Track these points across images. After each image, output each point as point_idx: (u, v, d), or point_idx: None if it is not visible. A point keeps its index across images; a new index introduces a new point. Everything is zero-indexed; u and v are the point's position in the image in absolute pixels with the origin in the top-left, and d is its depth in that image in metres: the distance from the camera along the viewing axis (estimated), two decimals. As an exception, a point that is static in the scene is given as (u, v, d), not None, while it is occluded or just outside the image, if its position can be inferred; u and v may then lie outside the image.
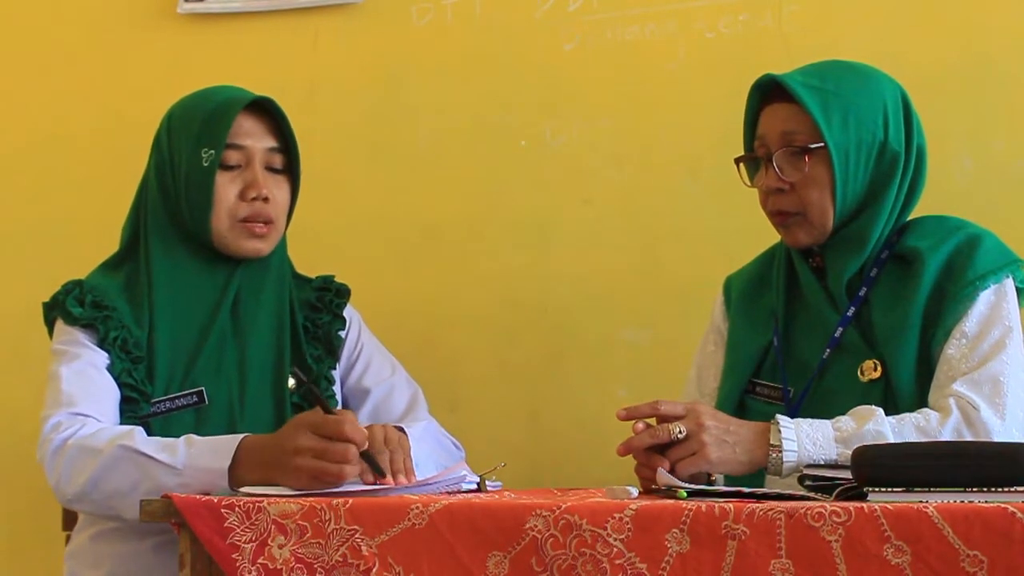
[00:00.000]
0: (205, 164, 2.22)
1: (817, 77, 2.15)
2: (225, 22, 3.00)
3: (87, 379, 2.14)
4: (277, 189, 2.27)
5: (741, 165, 2.23)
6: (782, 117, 2.15)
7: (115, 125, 3.01)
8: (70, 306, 2.19)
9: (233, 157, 2.24)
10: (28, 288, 2.92)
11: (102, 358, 2.17)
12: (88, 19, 3.09)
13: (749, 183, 2.23)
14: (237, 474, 1.94)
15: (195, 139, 2.23)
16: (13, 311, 3.01)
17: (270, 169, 2.27)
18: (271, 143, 2.27)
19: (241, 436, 1.98)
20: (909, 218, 2.20)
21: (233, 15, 3.00)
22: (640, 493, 1.84)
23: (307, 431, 1.90)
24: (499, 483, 2.03)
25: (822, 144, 2.10)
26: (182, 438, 2.01)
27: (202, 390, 2.20)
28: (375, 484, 1.91)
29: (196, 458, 1.96)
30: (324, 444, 1.88)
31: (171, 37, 3.03)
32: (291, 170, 2.30)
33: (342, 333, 2.35)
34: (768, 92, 2.18)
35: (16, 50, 3.14)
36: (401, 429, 2.06)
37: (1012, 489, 1.59)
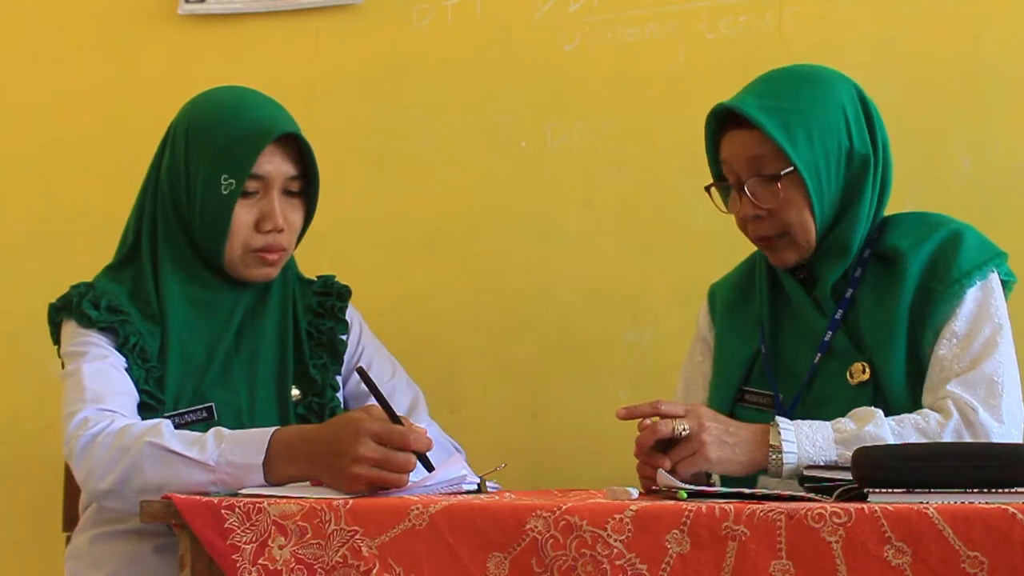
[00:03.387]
0: (224, 192, 2.16)
1: (772, 97, 2.11)
2: (226, 23, 3.00)
3: (109, 377, 2.10)
4: (292, 214, 2.23)
5: (712, 192, 2.21)
6: (745, 143, 2.12)
7: (115, 126, 3.01)
8: (86, 308, 2.14)
9: (252, 186, 2.18)
10: (28, 288, 2.93)
11: (121, 361, 2.14)
12: (89, 20, 3.09)
13: (724, 209, 2.22)
14: (273, 468, 1.92)
15: (216, 163, 2.17)
16: (13, 311, 3.01)
17: (287, 192, 2.23)
18: (291, 171, 2.21)
19: (272, 429, 1.95)
20: (885, 212, 2.18)
21: (234, 16, 3.00)
22: (640, 494, 1.85)
23: (369, 440, 1.86)
24: (498, 485, 2.03)
25: (792, 167, 2.08)
26: (210, 432, 1.97)
27: (211, 405, 2.17)
28: None
29: (228, 453, 1.93)
30: (386, 454, 1.85)
31: (171, 38, 3.03)
32: (308, 193, 2.26)
33: (344, 337, 2.34)
34: (725, 118, 2.15)
35: (17, 51, 3.14)
36: None
37: (1013, 490, 1.59)
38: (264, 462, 1.91)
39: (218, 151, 2.18)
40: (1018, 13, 2.64)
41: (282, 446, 1.92)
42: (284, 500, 1.75)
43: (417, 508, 1.68)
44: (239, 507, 1.74)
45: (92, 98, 3.07)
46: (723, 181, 2.19)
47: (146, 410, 2.12)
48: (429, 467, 1.91)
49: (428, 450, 1.90)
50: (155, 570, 2.11)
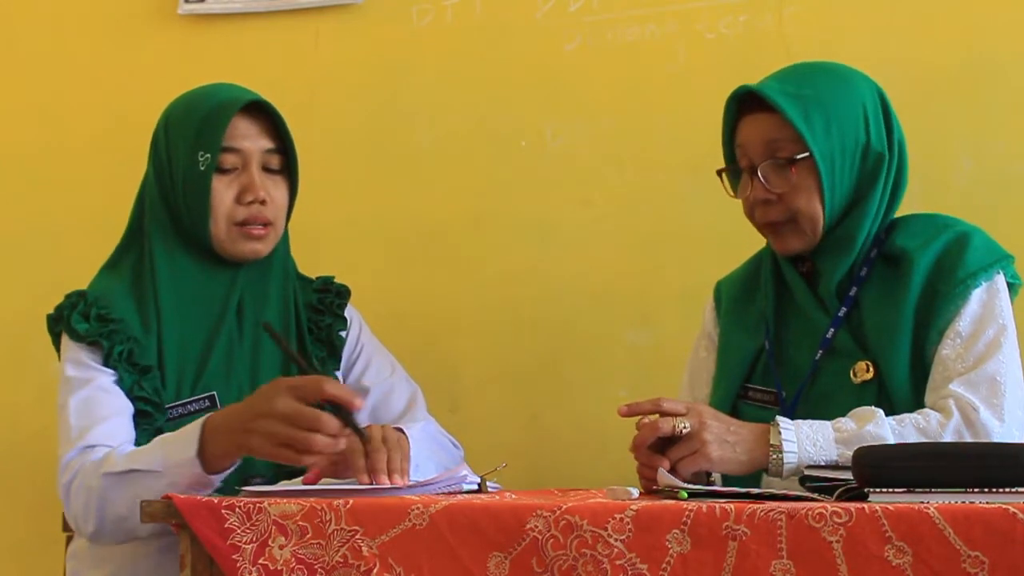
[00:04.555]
0: (201, 168, 2.21)
1: (794, 84, 2.13)
2: (225, 23, 3.01)
3: (94, 404, 2.12)
4: (275, 190, 2.26)
5: (723, 176, 2.23)
6: (763, 127, 2.13)
7: (115, 126, 3.01)
8: (75, 323, 2.17)
9: (229, 160, 2.23)
10: (29, 289, 2.93)
11: (108, 378, 2.15)
12: (88, 20, 3.10)
13: (733, 194, 2.22)
14: (208, 455, 1.93)
15: (191, 142, 2.22)
16: (14, 312, 3.01)
17: (267, 170, 2.26)
18: (268, 144, 2.26)
19: (205, 417, 1.97)
20: (896, 215, 2.19)
21: (233, 16, 3.00)
22: (641, 494, 1.84)
23: (285, 394, 1.86)
24: (498, 484, 2.03)
25: (807, 153, 2.09)
26: (156, 439, 2.01)
27: (214, 394, 2.19)
28: (372, 484, 1.91)
29: (170, 454, 1.95)
30: (298, 408, 1.84)
31: (171, 38, 3.03)
32: (289, 170, 2.30)
33: (343, 334, 2.35)
34: (745, 102, 2.16)
35: (16, 51, 3.14)
36: (401, 430, 2.05)
37: (1013, 490, 1.59)
38: (199, 451, 1.93)
39: (192, 131, 2.23)
40: (1018, 13, 2.64)
41: (212, 429, 1.94)
42: (284, 500, 1.75)
43: (417, 508, 1.68)
44: (239, 507, 1.74)
45: (92, 98, 3.07)
46: (735, 166, 2.19)
47: (144, 416, 2.14)
48: (356, 430, 1.88)
49: (350, 401, 1.87)
50: (157, 570, 2.12)
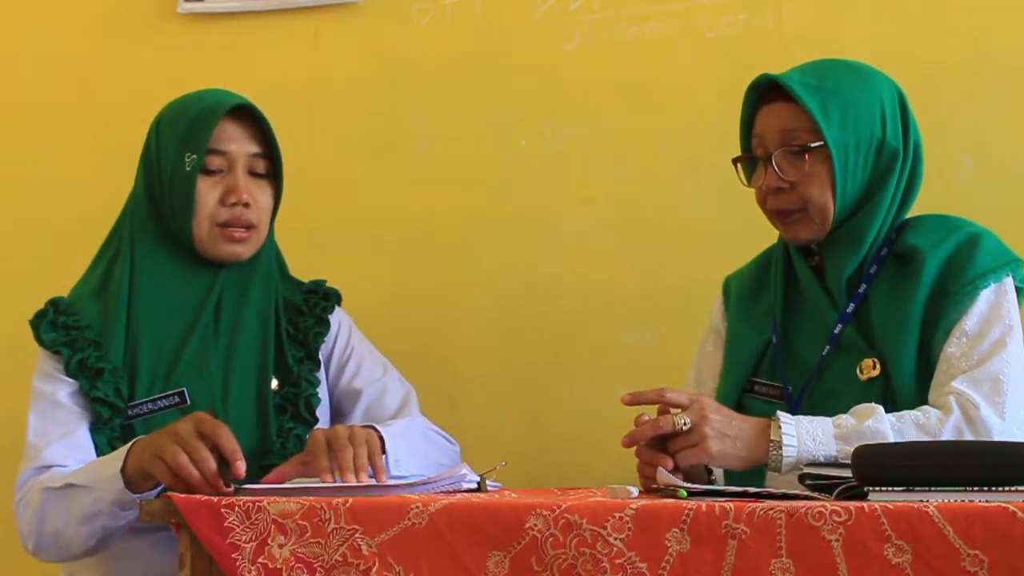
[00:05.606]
0: (187, 168, 2.23)
1: (814, 76, 2.15)
2: (225, 22, 3.01)
3: (52, 421, 2.18)
4: (259, 193, 2.28)
5: (739, 165, 2.24)
6: (780, 116, 2.15)
7: (115, 125, 3.01)
8: (43, 333, 2.23)
9: (215, 162, 2.25)
10: (28, 288, 2.92)
11: (66, 389, 2.20)
12: (88, 19, 3.09)
13: (747, 183, 2.23)
14: (127, 471, 1.98)
15: (179, 143, 2.24)
16: (13, 311, 3.00)
17: (253, 174, 2.28)
18: (254, 148, 2.27)
19: (138, 437, 2.03)
20: (908, 215, 2.20)
21: (233, 15, 3.00)
22: (640, 492, 1.84)
23: (190, 420, 1.93)
24: (498, 483, 2.03)
25: (822, 143, 2.10)
26: (99, 458, 2.07)
27: (184, 391, 2.21)
28: (336, 482, 1.92)
29: (100, 470, 2.01)
30: (189, 433, 1.91)
31: (171, 37, 3.03)
32: (274, 175, 2.31)
33: (325, 337, 2.36)
34: (765, 92, 2.18)
35: (16, 50, 3.14)
36: (373, 427, 2.06)
37: (1013, 488, 1.59)
38: (123, 467, 1.98)
39: (181, 133, 2.26)
40: (1018, 13, 2.64)
41: (135, 447, 1.99)
42: (284, 499, 1.75)
43: (417, 507, 1.68)
44: (239, 506, 1.74)
45: (91, 98, 3.07)
46: (751, 155, 2.20)
47: (101, 420, 2.17)
48: (227, 480, 1.91)
49: (232, 459, 1.90)
50: (152, 565, 2.14)
